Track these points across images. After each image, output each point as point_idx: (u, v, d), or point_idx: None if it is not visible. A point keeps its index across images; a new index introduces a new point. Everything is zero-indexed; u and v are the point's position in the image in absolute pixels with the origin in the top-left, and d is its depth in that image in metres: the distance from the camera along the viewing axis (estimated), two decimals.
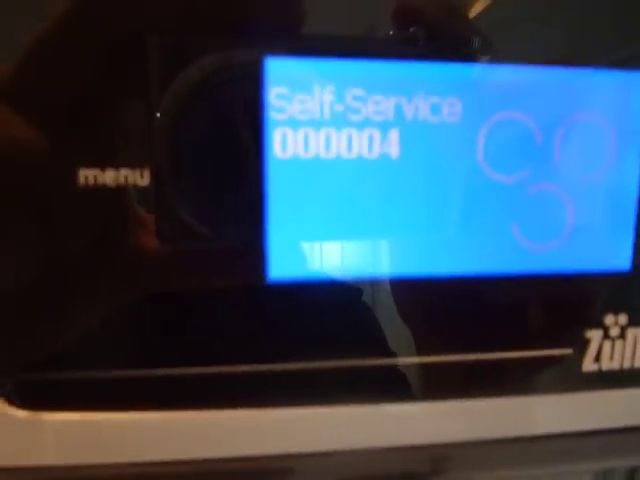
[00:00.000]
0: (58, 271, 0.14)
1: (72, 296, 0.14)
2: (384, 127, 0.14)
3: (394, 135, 0.14)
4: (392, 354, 0.15)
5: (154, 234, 0.14)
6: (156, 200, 0.14)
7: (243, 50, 0.14)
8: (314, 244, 0.15)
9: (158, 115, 0.13)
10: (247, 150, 0.14)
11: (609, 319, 0.16)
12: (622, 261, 0.16)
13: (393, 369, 0.15)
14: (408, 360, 0.15)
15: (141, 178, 0.13)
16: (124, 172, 0.13)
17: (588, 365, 0.16)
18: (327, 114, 0.14)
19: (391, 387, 0.15)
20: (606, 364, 0.16)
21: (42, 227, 0.13)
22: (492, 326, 0.16)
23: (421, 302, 0.15)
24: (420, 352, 0.15)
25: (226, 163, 0.14)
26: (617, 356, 0.16)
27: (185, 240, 0.14)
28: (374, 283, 0.15)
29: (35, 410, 0.14)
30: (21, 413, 0.14)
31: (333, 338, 0.15)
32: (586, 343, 0.16)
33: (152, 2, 0.13)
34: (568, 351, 0.16)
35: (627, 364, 0.16)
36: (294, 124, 0.14)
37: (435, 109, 0.14)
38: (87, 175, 0.13)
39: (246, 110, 0.14)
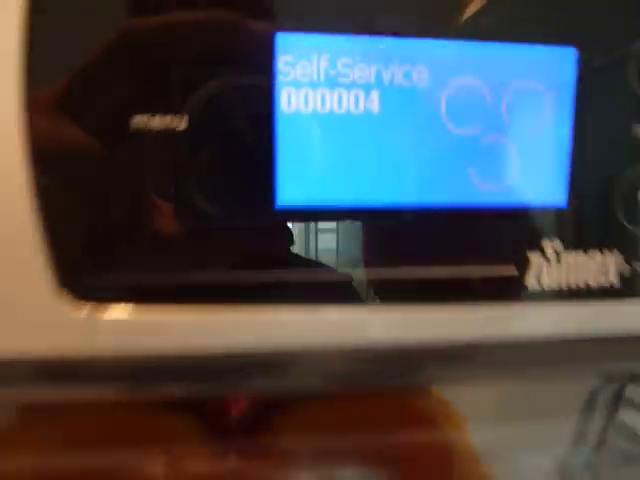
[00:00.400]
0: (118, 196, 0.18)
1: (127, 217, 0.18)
2: (367, 88, 0.18)
3: (375, 95, 0.18)
4: (367, 266, 0.19)
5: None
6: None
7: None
8: (314, 178, 0.19)
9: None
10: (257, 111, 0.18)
11: (547, 245, 0.20)
12: (559, 199, 0.20)
13: (362, 281, 0.19)
14: (373, 273, 0.19)
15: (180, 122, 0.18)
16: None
17: (532, 284, 0.20)
18: (322, 77, 0.18)
19: (358, 295, 0.19)
20: (547, 283, 0.20)
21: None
22: (453, 247, 0.20)
23: (392, 226, 0.19)
24: (387, 265, 0.19)
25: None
26: (555, 277, 0.20)
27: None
28: (355, 212, 0.19)
29: (93, 305, 0.18)
30: (79, 309, 0.18)
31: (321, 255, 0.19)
32: (529, 264, 0.20)
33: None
34: (514, 270, 0.20)
35: (564, 284, 0.20)
36: (297, 85, 0.18)
37: (407, 75, 0.19)
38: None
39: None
